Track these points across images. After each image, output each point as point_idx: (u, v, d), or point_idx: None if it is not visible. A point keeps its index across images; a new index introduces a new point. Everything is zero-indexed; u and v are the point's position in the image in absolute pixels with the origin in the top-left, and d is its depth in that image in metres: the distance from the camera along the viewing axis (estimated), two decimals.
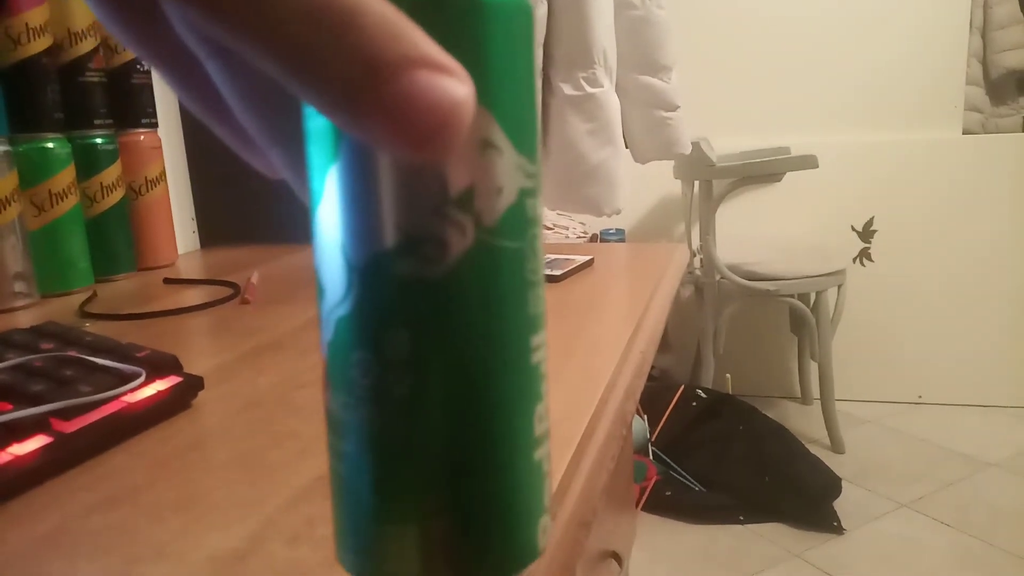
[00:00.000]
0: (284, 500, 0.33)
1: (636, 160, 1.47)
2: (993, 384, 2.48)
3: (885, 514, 1.88)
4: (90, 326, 0.62)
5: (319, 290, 0.17)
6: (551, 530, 0.19)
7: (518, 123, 0.16)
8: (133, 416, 0.40)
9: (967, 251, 2.44)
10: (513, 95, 0.16)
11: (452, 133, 0.13)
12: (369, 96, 0.13)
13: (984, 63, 2.46)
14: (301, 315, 0.64)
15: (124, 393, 0.39)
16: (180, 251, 0.96)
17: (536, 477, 0.18)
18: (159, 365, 0.43)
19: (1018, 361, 2.45)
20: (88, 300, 0.70)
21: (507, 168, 0.16)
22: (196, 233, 1.04)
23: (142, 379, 0.40)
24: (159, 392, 0.41)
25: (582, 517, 0.35)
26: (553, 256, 0.83)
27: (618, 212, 1.25)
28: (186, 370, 0.44)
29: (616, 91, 1.27)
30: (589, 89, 1.16)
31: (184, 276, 0.84)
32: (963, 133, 2.43)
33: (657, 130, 1.36)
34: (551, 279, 0.74)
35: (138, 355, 0.43)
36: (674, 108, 1.36)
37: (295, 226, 0.98)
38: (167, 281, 0.80)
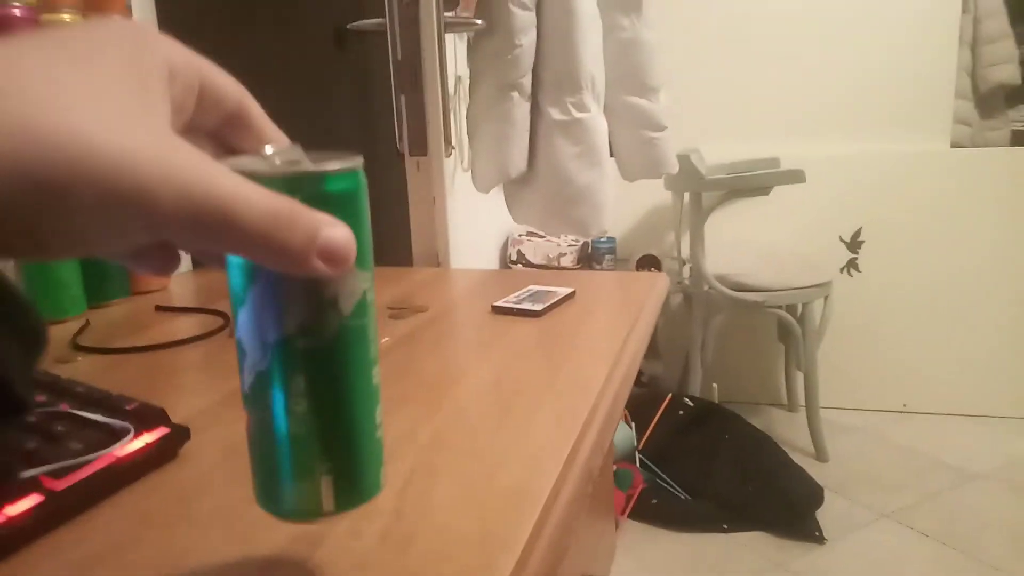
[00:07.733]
0: (262, 561, 0.35)
1: (624, 178, 1.49)
2: (980, 394, 2.51)
3: (868, 524, 1.91)
4: (81, 360, 0.64)
5: (240, 353, 0.28)
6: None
7: (361, 251, 0.26)
8: (121, 470, 0.42)
9: (953, 262, 2.47)
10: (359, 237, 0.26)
11: (351, 256, 0.25)
12: (308, 255, 0.24)
13: (973, 77, 2.49)
14: None
15: (114, 451, 0.42)
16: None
17: (379, 446, 0.30)
18: (147, 418, 0.45)
19: (1004, 371, 2.48)
20: (81, 331, 0.72)
21: (355, 278, 0.27)
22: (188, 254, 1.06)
23: (131, 435, 0.42)
24: (147, 445, 0.43)
25: (552, 561, 0.38)
26: (536, 288, 0.85)
27: (604, 234, 1.27)
28: (172, 414, 0.47)
29: (604, 112, 1.29)
30: (576, 114, 1.18)
31: (176, 302, 0.86)
32: (951, 146, 2.46)
33: (644, 150, 1.38)
34: (532, 314, 0.77)
35: (127, 408, 0.45)
36: (661, 129, 1.38)
37: None
38: (159, 308, 0.82)
